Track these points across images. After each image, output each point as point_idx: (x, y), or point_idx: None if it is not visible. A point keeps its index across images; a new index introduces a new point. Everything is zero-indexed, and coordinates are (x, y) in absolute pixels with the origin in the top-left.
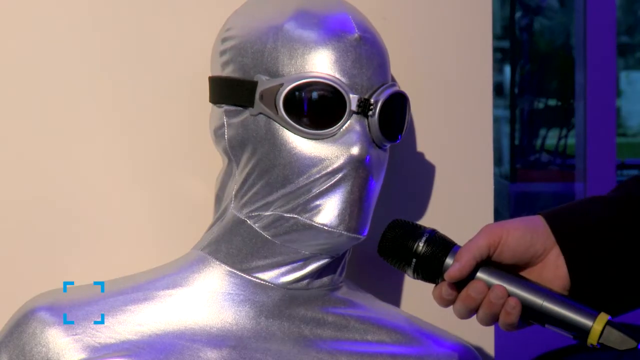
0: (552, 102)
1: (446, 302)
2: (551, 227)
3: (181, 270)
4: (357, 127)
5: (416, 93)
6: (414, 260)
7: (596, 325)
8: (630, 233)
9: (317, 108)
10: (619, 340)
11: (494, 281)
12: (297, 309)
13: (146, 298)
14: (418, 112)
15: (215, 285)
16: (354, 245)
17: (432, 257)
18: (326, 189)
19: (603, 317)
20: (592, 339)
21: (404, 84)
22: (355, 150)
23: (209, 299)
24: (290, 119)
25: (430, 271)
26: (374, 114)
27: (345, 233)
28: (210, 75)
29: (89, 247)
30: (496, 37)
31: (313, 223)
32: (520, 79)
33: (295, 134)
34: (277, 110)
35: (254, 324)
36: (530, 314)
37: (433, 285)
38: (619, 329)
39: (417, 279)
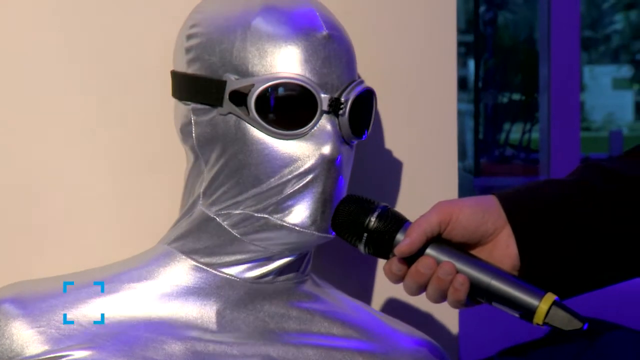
0: (516, 96)
1: (396, 278)
2: (503, 206)
3: (147, 264)
4: (328, 127)
5: (380, 88)
6: (365, 234)
7: (542, 305)
8: (581, 216)
9: (289, 109)
10: (565, 320)
11: (444, 258)
12: (262, 303)
13: (111, 291)
14: (382, 107)
15: (180, 278)
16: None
17: (384, 232)
18: (298, 189)
19: (549, 297)
20: (538, 319)
21: (367, 79)
22: (326, 150)
23: (173, 293)
24: (262, 120)
25: (382, 246)
26: (344, 112)
27: (317, 233)
28: (174, 69)
29: (54, 241)
30: (460, 31)
31: (284, 223)
32: (484, 73)
33: (266, 134)
34: (248, 111)
35: (219, 318)
36: (478, 292)
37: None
38: (565, 309)
39: (369, 254)
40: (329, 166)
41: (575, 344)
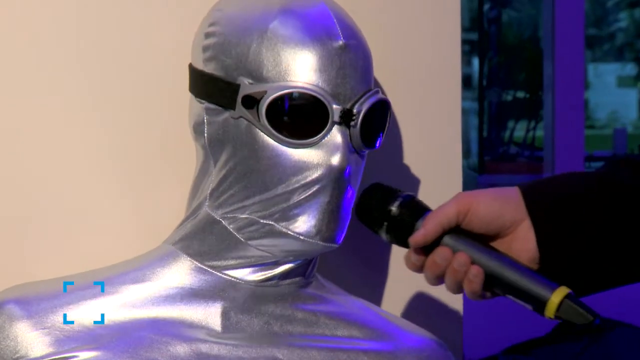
0: (520, 94)
1: (415, 267)
2: (525, 197)
3: (151, 264)
4: (339, 137)
5: (384, 86)
6: (386, 222)
7: (554, 298)
8: (602, 210)
9: (299, 118)
10: (575, 314)
11: (459, 248)
12: (266, 305)
13: (114, 291)
14: None
15: (184, 280)
16: None
17: (404, 220)
18: (304, 198)
19: (562, 291)
20: (549, 312)
21: None
22: (335, 161)
23: (177, 294)
24: (272, 127)
25: (402, 235)
26: (356, 124)
27: (321, 243)
28: (192, 64)
29: (57, 242)
30: (464, 29)
31: (289, 232)
32: (489, 71)
33: (275, 141)
34: (259, 117)
35: (224, 319)
36: (492, 283)
37: (399, 278)
38: (578, 303)
39: (391, 241)
40: (337, 177)
41: (580, 342)
